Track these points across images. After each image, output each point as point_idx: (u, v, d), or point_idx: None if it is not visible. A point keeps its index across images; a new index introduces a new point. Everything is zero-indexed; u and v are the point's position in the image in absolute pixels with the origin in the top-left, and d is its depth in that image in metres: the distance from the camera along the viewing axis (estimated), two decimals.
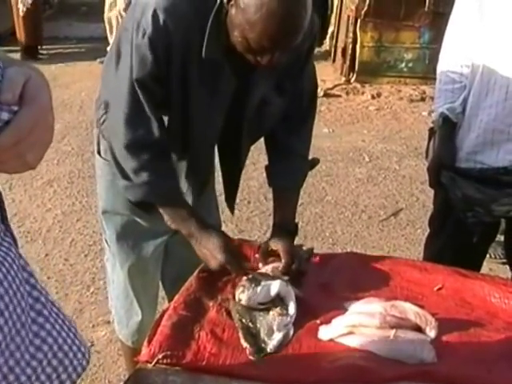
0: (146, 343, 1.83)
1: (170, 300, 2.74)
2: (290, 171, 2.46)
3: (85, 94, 7.51)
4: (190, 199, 2.46)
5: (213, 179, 2.68)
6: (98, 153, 2.50)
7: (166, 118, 2.25)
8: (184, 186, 2.46)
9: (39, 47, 9.53)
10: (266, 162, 2.54)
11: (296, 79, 2.35)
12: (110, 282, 2.76)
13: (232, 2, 1.98)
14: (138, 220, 2.51)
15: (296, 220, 2.52)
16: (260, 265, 2.29)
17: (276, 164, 2.50)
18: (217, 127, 2.33)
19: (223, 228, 4.05)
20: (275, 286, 2.04)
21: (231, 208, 2.69)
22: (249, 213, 4.84)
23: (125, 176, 2.23)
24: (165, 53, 2.07)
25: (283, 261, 2.24)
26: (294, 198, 2.53)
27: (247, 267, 2.27)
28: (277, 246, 2.31)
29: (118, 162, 2.23)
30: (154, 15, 2.02)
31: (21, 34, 9.18)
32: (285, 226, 2.42)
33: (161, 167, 2.23)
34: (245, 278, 2.08)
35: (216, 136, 2.38)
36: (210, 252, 2.22)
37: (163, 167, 2.25)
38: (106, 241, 2.66)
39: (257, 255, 2.35)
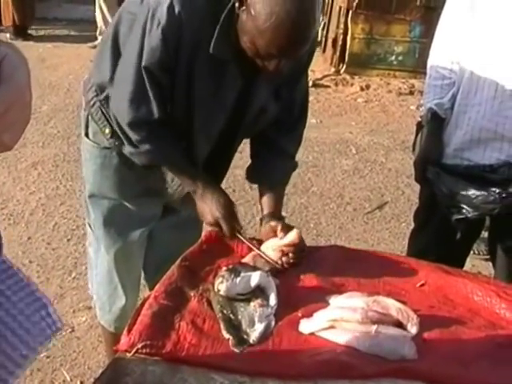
0: (125, 332, 1.81)
1: (150, 286, 2.77)
2: (279, 168, 2.49)
3: (72, 77, 7.43)
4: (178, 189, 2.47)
5: None
6: (86, 135, 2.49)
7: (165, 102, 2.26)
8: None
9: (28, 28, 9.44)
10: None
11: (293, 85, 2.40)
12: (93, 267, 2.75)
13: (243, 8, 2.01)
14: (126, 204, 2.52)
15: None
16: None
17: (267, 161, 2.50)
18: (218, 125, 2.35)
19: None
20: (255, 277, 2.03)
21: None
22: (234, 201, 4.79)
23: (129, 142, 2.29)
24: (175, 44, 2.10)
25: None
26: (283, 193, 2.55)
27: (239, 230, 2.34)
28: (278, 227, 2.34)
29: (123, 132, 2.28)
30: (170, 7, 2.05)
31: (8, 14, 9.08)
32: (276, 216, 2.43)
33: (162, 138, 2.28)
34: (224, 268, 2.07)
35: (215, 134, 2.39)
36: (209, 207, 2.31)
37: (164, 137, 2.29)
38: (90, 225, 2.65)
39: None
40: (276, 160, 2.47)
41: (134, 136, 2.25)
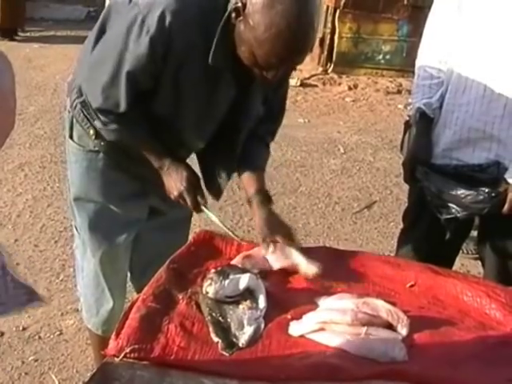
0: (113, 336, 1.80)
1: (136, 288, 2.76)
2: (259, 155, 2.51)
3: (59, 77, 7.40)
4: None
5: None
6: (71, 137, 2.47)
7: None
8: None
9: (19, 29, 9.38)
10: None
11: (279, 87, 2.41)
12: (79, 269, 2.73)
13: (240, 18, 2.00)
14: (112, 207, 2.50)
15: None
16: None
17: (248, 148, 2.48)
18: (213, 124, 2.36)
19: (195, 216, 4.01)
20: (244, 279, 2.02)
21: (216, 196, 2.66)
22: (221, 202, 4.75)
23: (97, 118, 2.28)
24: (162, 53, 2.09)
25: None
26: (264, 177, 2.51)
27: (203, 203, 2.36)
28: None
29: (93, 108, 2.27)
30: (161, 16, 2.03)
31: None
32: (264, 192, 2.43)
33: (130, 121, 2.27)
34: (213, 270, 2.06)
35: (209, 132, 2.39)
36: (174, 181, 2.33)
37: (132, 120, 2.28)
38: (76, 228, 2.63)
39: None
40: (254, 146, 2.48)
41: (101, 117, 2.26)
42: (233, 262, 2.21)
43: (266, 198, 2.41)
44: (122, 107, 2.19)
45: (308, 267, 2.21)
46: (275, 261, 2.24)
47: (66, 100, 2.48)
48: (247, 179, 2.46)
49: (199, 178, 2.43)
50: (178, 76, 2.15)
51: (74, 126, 2.44)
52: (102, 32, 2.28)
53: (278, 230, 2.32)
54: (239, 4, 1.99)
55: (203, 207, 2.37)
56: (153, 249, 2.61)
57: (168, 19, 2.03)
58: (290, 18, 1.93)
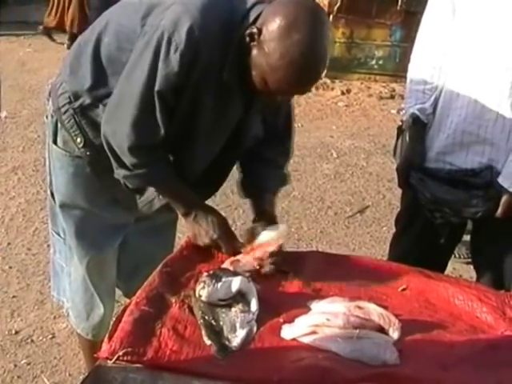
0: (106, 339, 1.80)
1: (124, 292, 2.77)
2: (270, 177, 2.49)
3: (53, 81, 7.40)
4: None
5: None
6: (55, 143, 2.44)
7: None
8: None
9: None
10: None
11: (279, 109, 2.44)
12: (64, 275, 2.70)
13: (255, 43, 2.02)
14: (98, 213, 2.47)
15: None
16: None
17: (257, 172, 2.49)
18: (216, 149, 2.35)
19: None
20: (236, 283, 2.02)
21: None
22: (215, 206, 4.76)
23: (122, 165, 2.24)
24: (189, 68, 2.08)
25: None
26: (273, 199, 2.54)
27: (238, 247, 2.32)
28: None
29: (114, 153, 2.22)
30: (190, 31, 2.02)
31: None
32: (268, 214, 2.44)
33: (159, 162, 2.26)
34: (205, 273, 2.06)
35: (212, 156, 2.37)
36: (204, 228, 2.30)
37: (161, 161, 2.28)
38: (59, 234, 2.61)
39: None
40: (264, 170, 2.47)
41: (131, 160, 2.20)
42: (223, 266, 2.22)
43: (268, 218, 2.41)
44: (160, 135, 2.16)
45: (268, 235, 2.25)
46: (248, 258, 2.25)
47: (47, 104, 2.45)
48: (253, 202, 2.49)
49: (227, 221, 2.40)
50: (198, 90, 2.14)
51: (58, 131, 2.40)
52: (98, 41, 2.24)
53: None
54: (254, 30, 2.01)
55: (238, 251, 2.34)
56: (140, 252, 2.61)
57: (197, 33, 2.02)
58: (305, 48, 1.97)
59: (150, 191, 2.33)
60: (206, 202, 2.47)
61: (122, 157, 2.21)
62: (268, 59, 2.00)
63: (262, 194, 2.48)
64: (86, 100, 2.29)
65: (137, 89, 2.11)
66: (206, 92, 2.15)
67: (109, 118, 2.22)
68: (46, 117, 2.47)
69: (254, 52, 2.04)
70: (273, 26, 1.99)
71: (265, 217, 2.42)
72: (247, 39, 2.03)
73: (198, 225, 2.31)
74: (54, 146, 2.45)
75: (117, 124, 2.19)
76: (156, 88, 2.08)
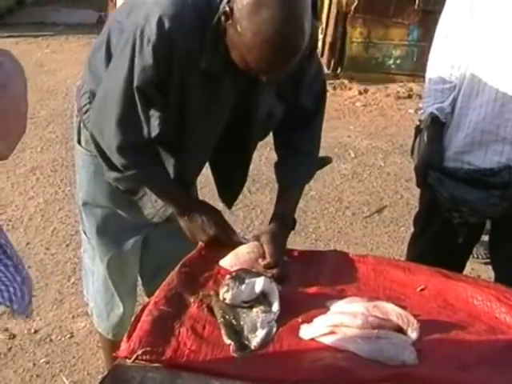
0: (125, 338, 1.81)
1: (147, 292, 2.74)
2: (294, 168, 2.45)
3: (71, 82, 7.40)
4: None
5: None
6: (79, 142, 2.46)
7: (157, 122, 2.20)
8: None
9: None
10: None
11: (298, 86, 2.34)
12: (89, 274, 2.73)
13: (230, 22, 1.96)
14: (120, 212, 2.49)
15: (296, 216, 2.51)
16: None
17: (282, 160, 2.48)
18: (214, 136, 2.33)
19: None
20: (259, 283, 2.02)
21: (229, 203, 2.70)
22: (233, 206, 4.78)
23: (113, 168, 2.23)
24: (166, 59, 2.05)
25: (267, 259, 2.23)
26: (296, 194, 2.51)
27: (237, 239, 2.33)
28: (266, 243, 2.28)
29: (104, 155, 2.22)
30: (159, 22, 2.00)
31: None
32: (282, 217, 2.41)
33: (149, 161, 2.25)
34: (228, 276, 2.06)
35: (212, 144, 2.36)
36: (200, 226, 2.29)
37: (151, 160, 2.26)
38: (85, 232, 2.63)
39: None
40: (291, 160, 2.44)
41: (120, 160, 2.19)
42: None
43: (283, 222, 2.39)
44: (145, 133, 2.15)
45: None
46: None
47: (74, 104, 2.47)
48: (279, 194, 2.48)
49: (221, 213, 2.39)
50: (182, 86, 2.12)
51: (81, 130, 2.42)
52: (108, 41, 2.25)
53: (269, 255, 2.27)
54: (227, 8, 1.95)
55: (238, 239, 2.35)
56: (162, 254, 2.59)
57: (167, 24, 1.99)
58: (277, 25, 1.88)
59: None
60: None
61: (112, 158, 2.20)
62: (242, 39, 1.93)
63: (286, 189, 2.46)
64: None
65: (118, 86, 2.10)
66: (193, 83, 2.12)
67: (94, 118, 2.23)
68: (74, 117, 2.49)
69: (230, 32, 1.97)
70: (242, 2, 1.92)
71: (279, 220, 2.40)
72: (222, 19, 1.98)
73: (195, 223, 2.31)
74: (78, 146, 2.47)
75: (103, 124, 2.19)
76: (135, 84, 2.07)
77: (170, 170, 2.34)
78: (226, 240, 2.31)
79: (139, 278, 2.81)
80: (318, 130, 2.53)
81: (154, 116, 2.16)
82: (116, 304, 2.69)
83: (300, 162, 2.46)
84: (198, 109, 2.20)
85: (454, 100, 2.65)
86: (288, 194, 2.47)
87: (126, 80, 2.08)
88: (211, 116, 2.25)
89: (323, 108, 2.50)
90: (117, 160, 2.19)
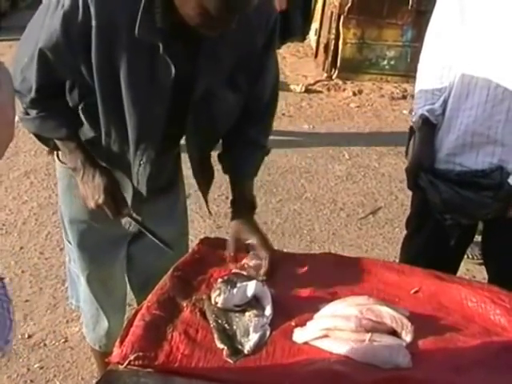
0: (117, 343, 1.81)
1: (138, 302, 2.67)
2: (247, 160, 2.39)
3: None
4: (137, 201, 2.35)
5: (179, 183, 2.60)
6: (57, 155, 2.43)
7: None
8: (128, 188, 2.33)
9: None
10: None
11: (254, 76, 2.24)
12: (78, 282, 2.68)
13: None
14: (96, 226, 2.41)
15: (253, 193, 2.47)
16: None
17: (236, 152, 2.38)
18: (160, 118, 2.16)
19: (201, 223, 4.02)
20: (251, 287, 2.01)
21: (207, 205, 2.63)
22: (227, 208, 4.71)
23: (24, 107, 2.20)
24: (79, 29, 1.95)
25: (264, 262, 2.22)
26: (251, 183, 2.45)
27: (125, 212, 2.26)
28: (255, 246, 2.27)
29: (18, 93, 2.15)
30: None
31: None
32: (243, 203, 2.38)
33: (49, 107, 2.18)
34: (220, 279, 2.05)
35: (161, 128, 2.18)
36: (91, 190, 2.20)
37: (51, 107, 2.18)
38: (70, 242, 2.56)
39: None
40: (244, 152, 2.37)
41: (21, 99, 2.14)
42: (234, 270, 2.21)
43: (244, 206, 2.37)
44: (33, 90, 2.09)
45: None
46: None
47: None
48: (233, 186, 2.42)
49: (117, 183, 2.29)
50: (111, 61, 2.00)
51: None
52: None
53: (251, 236, 2.28)
54: None
55: (127, 215, 2.30)
56: (147, 267, 2.54)
57: None
58: None
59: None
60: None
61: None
62: None
63: (241, 180, 2.41)
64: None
65: (33, 40, 2.05)
66: (127, 55, 2.00)
67: (16, 53, 2.17)
68: None
69: None
70: None
71: (244, 204, 2.37)
72: None
73: (87, 185, 2.22)
74: (56, 158, 2.44)
75: (15, 62, 2.13)
76: (39, 44, 2.00)
77: (128, 171, 2.27)
78: (113, 213, 2.23)
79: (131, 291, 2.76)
80: (271, 121, 2.46)
81: (52, 80, 2.09)
82: (101, 317, 2.66)
83: (255, 153, 2.41)
84: (134, 90, 2.06)
85: (445, 101, 2.64)
86: (246, 184, 2.42)
87: (36, 36, 2.03)
88: (151, 97, 2.10)
89: (276, 100, 2.43)
90: (19, 100, 2.14)
